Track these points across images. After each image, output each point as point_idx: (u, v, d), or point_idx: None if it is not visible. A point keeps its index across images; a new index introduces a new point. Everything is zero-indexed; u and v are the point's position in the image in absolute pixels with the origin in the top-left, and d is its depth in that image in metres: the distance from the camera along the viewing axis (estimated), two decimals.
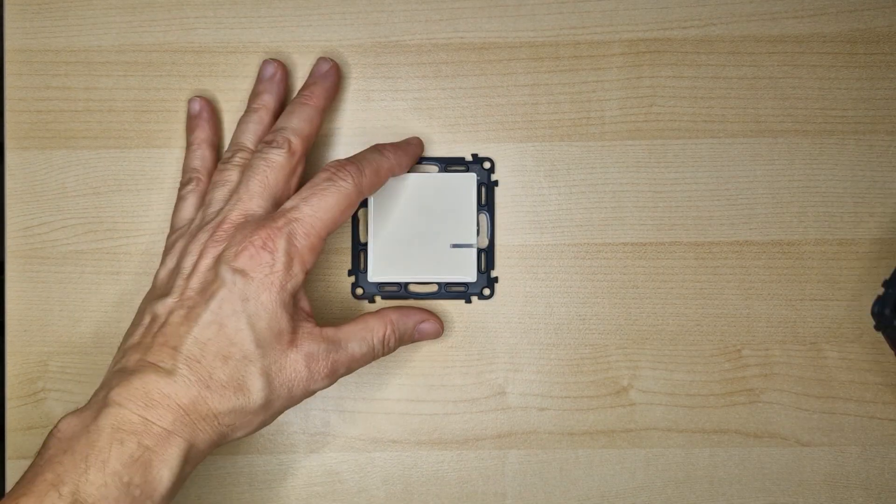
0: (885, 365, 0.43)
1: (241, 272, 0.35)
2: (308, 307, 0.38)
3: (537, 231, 0.43)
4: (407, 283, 0.43)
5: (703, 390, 0.43)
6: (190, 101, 0.43)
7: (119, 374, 0.34)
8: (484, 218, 0.43)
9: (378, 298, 0.43)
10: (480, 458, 0.43)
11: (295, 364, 0.36)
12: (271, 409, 0.36)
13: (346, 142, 0.44)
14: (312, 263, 0.37)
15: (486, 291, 0.43)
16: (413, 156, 0.42)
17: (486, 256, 0.43)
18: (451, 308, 0.43)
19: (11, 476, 0.42)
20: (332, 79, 0.42)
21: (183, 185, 0.41)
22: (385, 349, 0.39)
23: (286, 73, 0.43)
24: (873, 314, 0.41)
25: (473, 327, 0.43)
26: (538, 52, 0.44)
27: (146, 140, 0.43)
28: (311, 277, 0.43)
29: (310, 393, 0.37)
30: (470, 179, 0.43)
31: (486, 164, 0.43)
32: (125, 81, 0.44)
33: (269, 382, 0.35)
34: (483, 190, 0.43)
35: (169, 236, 0.40)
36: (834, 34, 0.44)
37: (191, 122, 0.43)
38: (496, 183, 0.43)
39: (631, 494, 0.43)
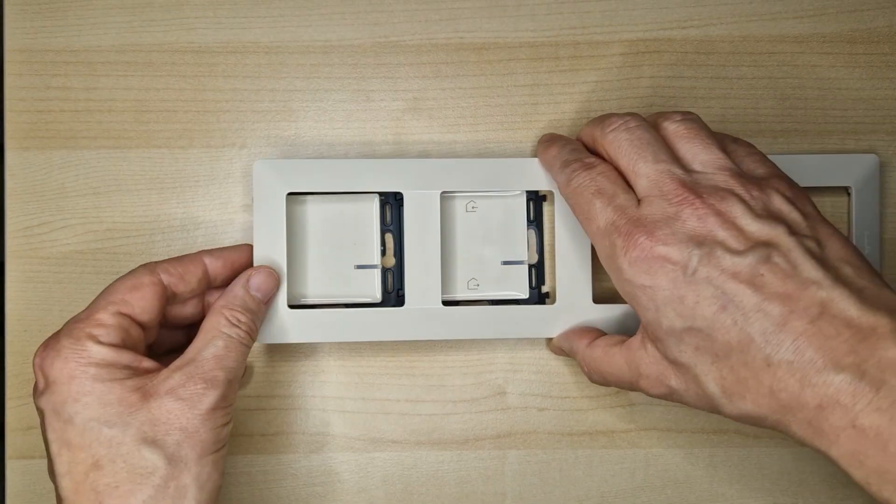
0: None
1: (49, 385, 0.35)
2: (150, 364, 0.36)
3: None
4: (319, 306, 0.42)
5: None
6: None
7: None
8: (390, 237, 0.43)
9: None
10: (480, 459, 0.43)
11: (161, 407, 0.34)
12: (186, 455, 0.34)
13: (346, 141, 0.44)
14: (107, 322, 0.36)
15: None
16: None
17: (393, 275, 0.42)
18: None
19: (11, 476, 0.42)
20: None
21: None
22: (242, 328, 0.37)
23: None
24: None
25: None
26: (538, 52, 0.44)
27: (146, 140, 0.43)
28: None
29: (205, 413, 0.35)
30: (371, 199, 0.42)
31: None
32: (125, 81, 0.44)
33: (154, 441, 0.34)
34: (388, 210, 0.42)
35: None
36: (834, 34, 0.44)
37: None
38: (401, 201, 0.41)
39: (631, 495, 0.43)
